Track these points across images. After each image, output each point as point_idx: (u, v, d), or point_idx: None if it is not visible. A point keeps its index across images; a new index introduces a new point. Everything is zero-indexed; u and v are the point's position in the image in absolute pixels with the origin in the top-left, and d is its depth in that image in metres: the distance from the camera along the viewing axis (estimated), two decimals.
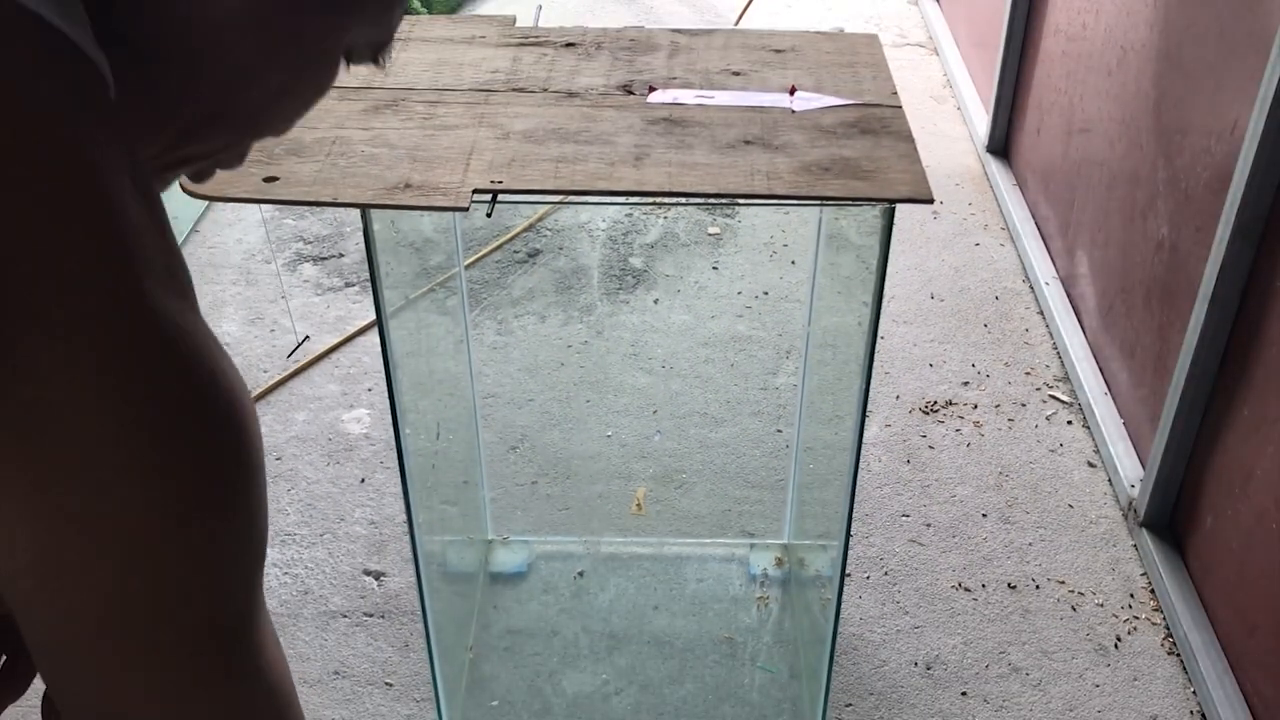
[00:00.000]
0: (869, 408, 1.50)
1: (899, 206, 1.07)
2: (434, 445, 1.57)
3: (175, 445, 0.41)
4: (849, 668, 1.70)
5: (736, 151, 1.08)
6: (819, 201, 1.11)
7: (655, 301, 2.45)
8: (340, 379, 2.25)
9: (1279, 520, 1.49)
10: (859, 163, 1.07)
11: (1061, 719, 1.64)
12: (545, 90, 1.19)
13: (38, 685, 0.56)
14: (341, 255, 2.61)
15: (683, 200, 1.10)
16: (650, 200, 1.84)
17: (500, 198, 1.03)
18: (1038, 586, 1.83)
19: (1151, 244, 1.94)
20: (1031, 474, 2.04)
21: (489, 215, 1.05)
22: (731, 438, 2.10)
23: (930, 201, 1.03)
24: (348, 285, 2.51)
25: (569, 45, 1.30)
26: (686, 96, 1.18)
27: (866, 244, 1.22)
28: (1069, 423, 2.15)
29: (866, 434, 2.05)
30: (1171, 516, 1.84)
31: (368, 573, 1.84)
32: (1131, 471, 1.95)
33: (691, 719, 1.63)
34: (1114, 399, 2.10)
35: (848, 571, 1.83)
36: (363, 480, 2.01)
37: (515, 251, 2.60)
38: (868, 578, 1.84)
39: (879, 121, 1.14)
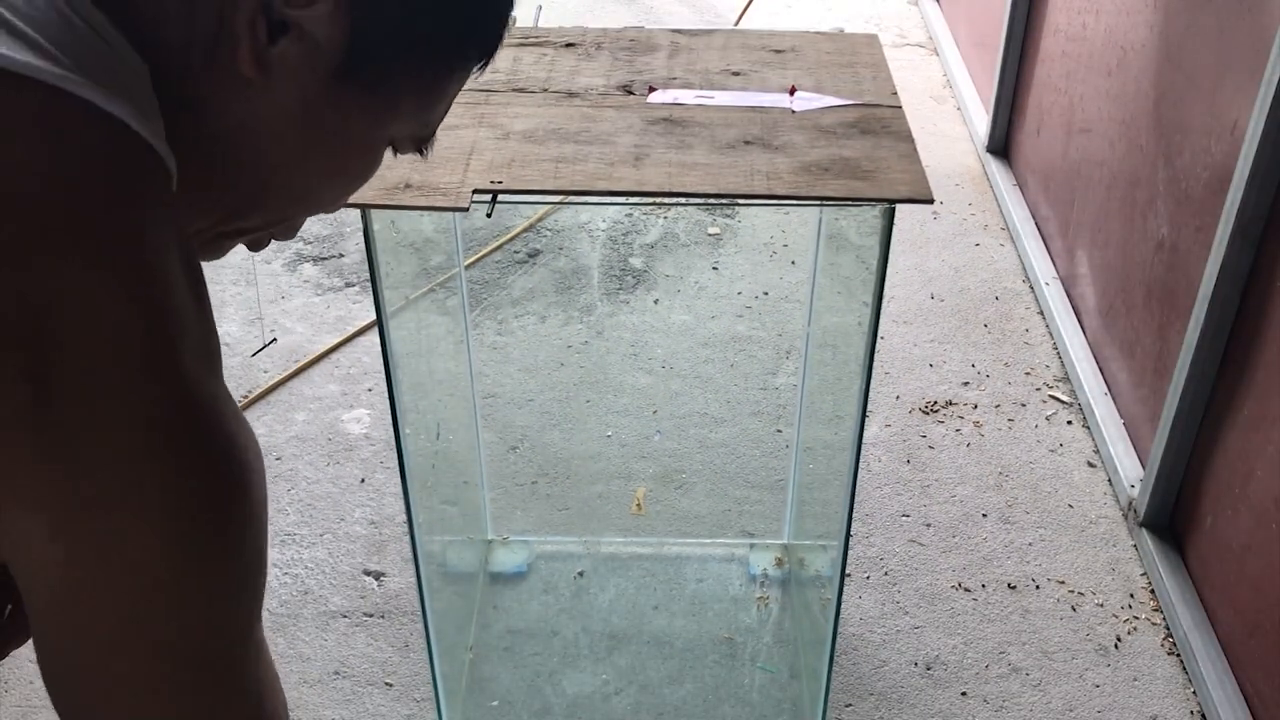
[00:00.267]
0: (869, 408, 1.50)
1: (899, 207, 1.07)
2: (434, 445, 1.57)
3: (190, 496, 0.46)
4: (849, 668, 1.70)
5: (736, 151, 1.08)
6: (819, 201, 1.11)
7: (655, 301, 2.45)
8: (340, 379, 2.25)
9: (1279, 520, 1.49)
10: (859, 163, 1.07)
11: (1061, 719, 1.64)
12: (545, 90, 1.19)
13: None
14: (341, 255, 2.61)
15: (683, 200, 1.10)
16: (650, 200, 1.84)
17: (500, 198, 1.03)
18: (1038, 586, 1.83)
19: (1151, 244, 1.94)
20: (1031, 474, 2.04)
21: (489, 215, 1.05)
22: (731, 438, 2.10)
23: (930, 201, 1.03)
24: (348, 285, 2.51)
25: (569, 45, 1.30)
26: (686, 96, 1.18)
27: (866, 244, 1.22)
28: (1069, 423, 2.15)
29: (866, 434, 2.05)
30: (1171, 516, 1.84)
31: (368, 573, 1.84)
32: (1131, 471, 1.95)
33: (691, 719, 1.63)
34: (1114, 399, 2.10)
35: (848, 571, 1.83)
36: (363, 480, 2.01)
37: (515, 251, 2.60)
38: (868, 578, 1.84)
39: (879, 121, 1.14)
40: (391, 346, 1.21)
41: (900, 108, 1.17)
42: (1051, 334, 2.36)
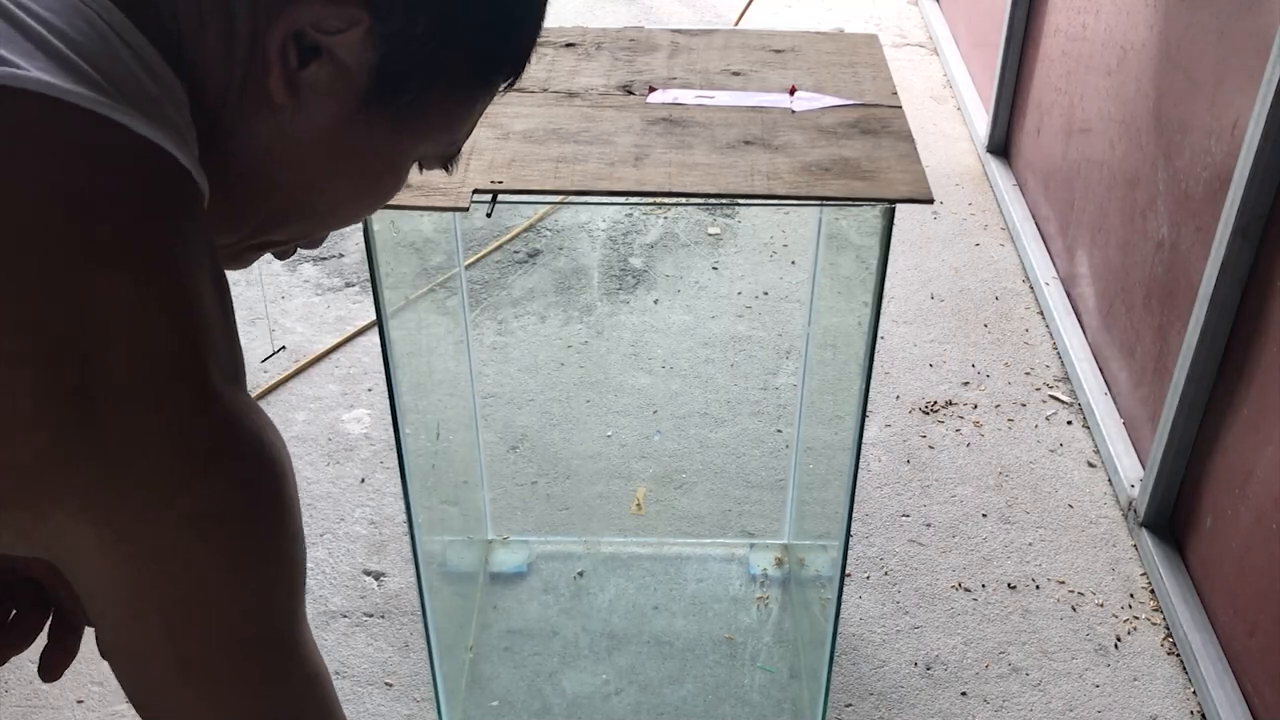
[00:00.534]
0: (869, 408, 1.50)
1: (899, 206, 1.07)
2: (434, 445, 1.57)
3: (236, 499, 0.49)
4: (849, 668, 1.70)
5: (736, 151, 1.08)
6: (819, 201, 1.11)
7: (655, 301, 2.45)
8: (340, 379, 2.25)
9: (1279, 520, 1.49)
10: (859, 163, 1.07)
11: (1061, 719, 1.64)
12: (545, 90, 1.19)
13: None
14: (341, 255, 2.61)
15: (683, 200, 1.10)
16: (650, 200, 1.84)
17: (500, 198, 1.03)
18: (1038, 586, 1.83)
19: (1151, 244, 1.94)
20: (1031, 474, 2.04)
21: (489, 215, 1.05)
22: (731, 438, 2.10)
23: (930, 201, 1.03)
24: (348, 285, 2.51)
25: (569, 45, 1.30)
26: (686, 96, 1.18)
27: (866, 244, 1.22)
28: (1069, 423, 2.15)
29: (866, 434, 2.05)
30: (1171, 516, 1.84)
31: (368, 573, 1.84)
32: (1131, 471, 1.95)
33: (691, 719, 1.63)
34: (1114, 399, 2.10)
35: (848, 571, 1.83)
36: (363, 480, 2.01)
37: (515, 251, 2.60)
38: (868, 578, 1.84)
39: (879, 121, 1.14)
40: (391, 346, 1.21)
41: (900, 108, 1.17)
42: (1051, 334, 2.36)
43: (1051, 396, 2.21)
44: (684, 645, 1.72)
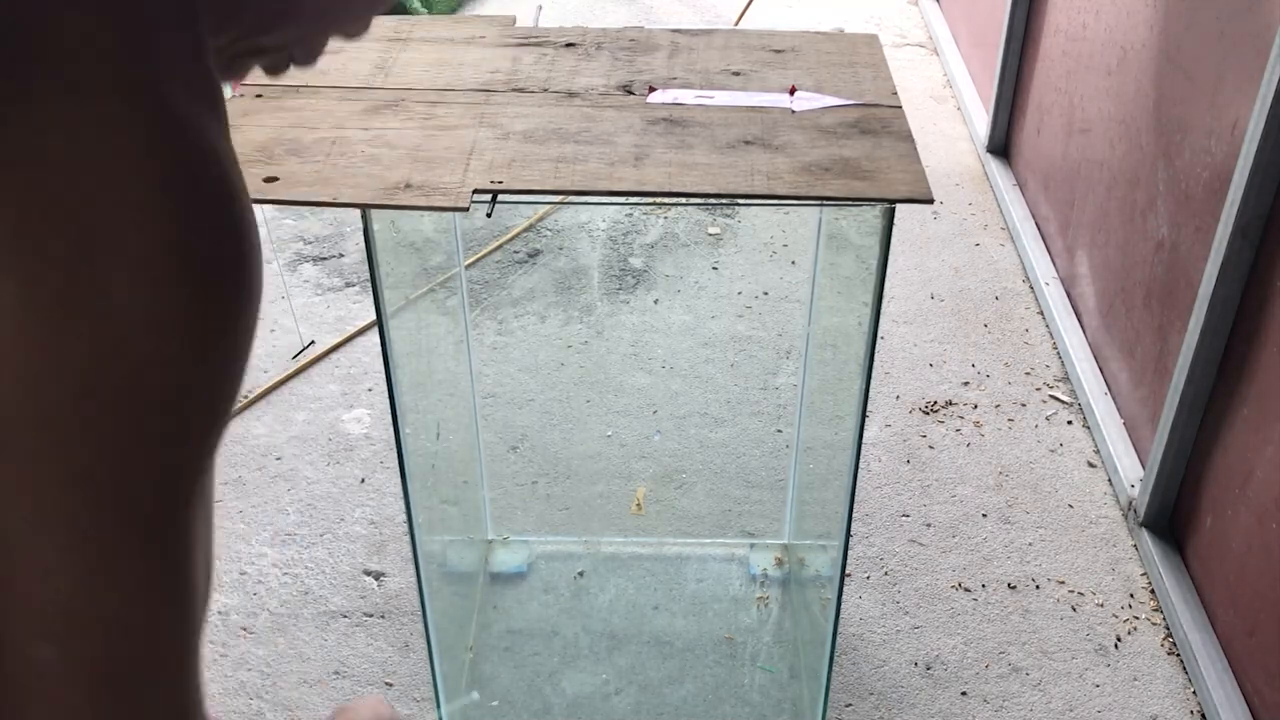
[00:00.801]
0: (869, 408, 1.50)
1: (899, 207, 1.07)
2: (434, 445, 1.57)
3: (184, 244, 0.40)
4: (849, 668, 1.70)
5: (736, 151, 1.08)
6: (819, 201, 1.11)
7: (655, 301, 2.45)
8: (340, 379, 2.25)
9: (1279, 520, 1.49)
10: (859, 163, 1.07)
11: (1061, 719, 1.64)
12: (545, 90, 1.19)
13: None
14: (341, 255, 2.61)
15: (683, 200, 1.10)
16: (650, 200, 1.84)
17: (500, 198, 1.03)
18: (1038, 586, 1.83)
19: (1151, 244, 1.94)
20: (1031, 474, 2.04)
21: (489, 215, 1.05)
22: (731, 438, 2.10)
23: (930, 201, 1.03)
24: (348, 285, 2.51)
25: (569, 45, 1.30)
26: (686, 96, 1.18)
27: (866, 244, 1.22)
28: (1069, 423, 2.15)
29: (866, 434, 2.05)
30: (1171, 516, 1.84)
31: (368, 573, 1.84)
32: (1131, 471, 1.95)
33: (691, 719, 1.63)
34: (1114, 399, 2.10)
35: (848, 571, 1.83)
36: (363, 480, 2.01)
37: (515, 251, 2.60)
38: (868, 578, 1.84)
39: (879, 121, 1.14)
40: (391, 346, 1.21)
41: (900, 108, 1.17)
42: (1051, 334, 2.36)
43: (1051, 396, 2.21)
44: (684, 645, 1.72)
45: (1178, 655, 1.71)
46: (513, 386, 2.22)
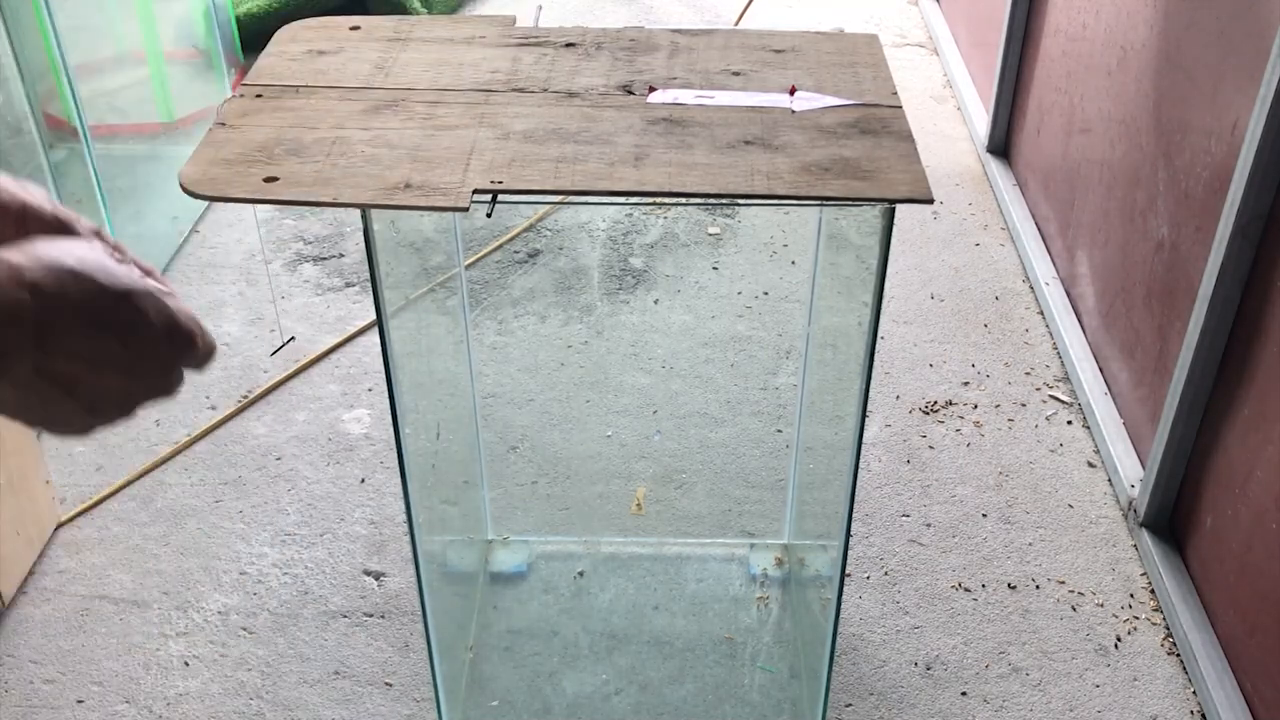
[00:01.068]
0: (869, 408, 1.50)
1: (899, 207, 1.07)
2: (434, 445, 1.57)
3: None
4: (849, 668, 1.70)
5: (736, 151, 1.08)
6: (819, 201, 1.11)
7: (655, 301, 2.45)
8: (340, 379, 2.25)
9: (1279, 520, 1.49)
10: (859, 163, 1.07)
11: (1061, 719, 1.64)
12: (545, 90, 1.19)
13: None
14: (341, 255, 2.61)
15: (683, 200, 1.10)
16: (650, 200, 1.84)
17: (500, 198, 1.03)
18: (1038, 586, 1.83)
19: (1151, 244, 1.94)
20: (1031, 474, 2.04)
21: (489, 215, 1.05)
22: (731, 438, 2.10)
23: (930, 201, 1.03)
24: (348, 285, 2.51)
25: (569, 45, 1.30)
26: (686, 96, 1.18)
27: (866, 244, 1.22)
28: (1069, 423, 2.15)
29: (866, 434, 2.05)
30: (1171, 516, 1.84)
31: (368, 573, 1.84)
32: (1131, 471, 1.95)
33: (691, 719, 1.63)
34: (1114, 399, 2.10)
35: (848, 571, 1.83)
36: (363, 480, 2.01)
37: (515, 251, 2.60)
38: (868, 578, 1.84)
39: (879, 121, 1.14)
40: (391, 346, 1.21)
41: (900, 108, 1.17)
42: (1051, 334, 2.36)
43: (1051, 396, 2.21)
44: (684, 645, 1.72)
45: (1178, 655, 1.71)
46: (513, 386, 2.22)
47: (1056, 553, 1.89)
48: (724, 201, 1.29)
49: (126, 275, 0.53)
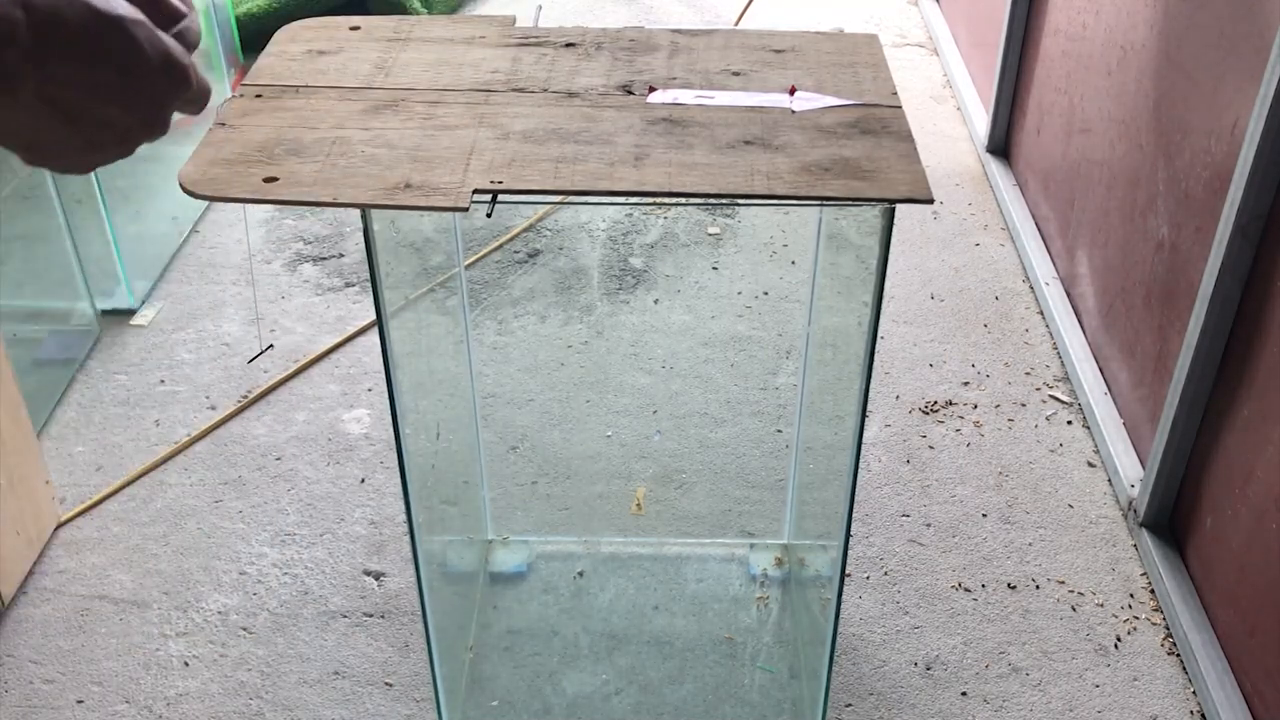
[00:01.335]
0: (869, 408, 1.50)
1: (899, 207, 1.07)
2: (434, 445, 1.57)
3: None
4: (849, 668, 1.70)
5: (736, 151, 1.08)
6: (819, 201, 1.11)
7: (655, 301, 2.45)
8: (340, 379, 2.25)
9: (1279, 520, 1.49)
10: (859, 163, 1.07)
11: (1061, 719, 1.64)
12: (545, 90, 1.19)
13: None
14: (341, 255, 2.61)
15: (683, 200, 1.10)
16: (650, 200, 1.84)
17: (500, 198, 1.03)
18: (1038, 586, 1.83)
19: (1151, 244, 1.94)
20: (1031, 474, 2.04)
21: (489, 215, 1.05)
22: (731, 438, 2.10)
23: (930, 202, 1.03)
24: (348, 285, 2.51)
25: (569, 45, 1.30)
26: (686, 96, 1.18)
27: (866, 244, 1.22)
28: (1069, 423, 2.15)
29: (866, 434, 2.05)
30: (1171, 516, 1.84)
31: (368, 573, 1.84)
32: (1131, 471, 1.95)
33: (691, 719, 1.63)
34: (1114, 399, 2.10)
35: (848, 571, 1.83)
36: (363, 480, 2.01)
37: (515, 251, 2.60)
38: (868, 578, 1.84)
39: (879, 121, 1.14)
40: (391, 346, 1.21)
41: (900, 108, 1.17)
42: (1051, 334, 2.36)
43: (1051, 396, 2.21)
44: (684, 645, 1.72)
45: (1178, 655, 1.71)
46: (513, 386, 2.22)
47: (1056, 553, 1.89)
48: (724, 201, 1.29)
49: (121, 4, 0.57)
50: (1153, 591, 1.81)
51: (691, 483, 2.01)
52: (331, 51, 1.26)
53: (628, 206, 2.71)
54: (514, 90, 1.19)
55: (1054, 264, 2.47)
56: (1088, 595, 1.82)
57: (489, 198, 1.03)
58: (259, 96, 1.16)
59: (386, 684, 1.67)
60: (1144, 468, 1.91)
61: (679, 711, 1.64)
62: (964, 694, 1.67)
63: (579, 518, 1.94)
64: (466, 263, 2.52)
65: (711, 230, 2.68)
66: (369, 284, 1.60)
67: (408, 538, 1.55)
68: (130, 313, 2.41)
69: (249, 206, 2.71)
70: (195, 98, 0.61)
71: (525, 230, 2.65)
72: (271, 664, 1.69)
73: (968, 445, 2.10)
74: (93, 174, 2.28)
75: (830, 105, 1.17)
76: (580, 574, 1.83)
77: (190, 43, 0.61)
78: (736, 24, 3.46)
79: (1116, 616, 1.78)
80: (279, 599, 1.79)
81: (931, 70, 3.51)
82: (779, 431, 2.12)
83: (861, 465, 1.31)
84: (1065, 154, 2.43)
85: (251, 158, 1.05)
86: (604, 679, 1.67)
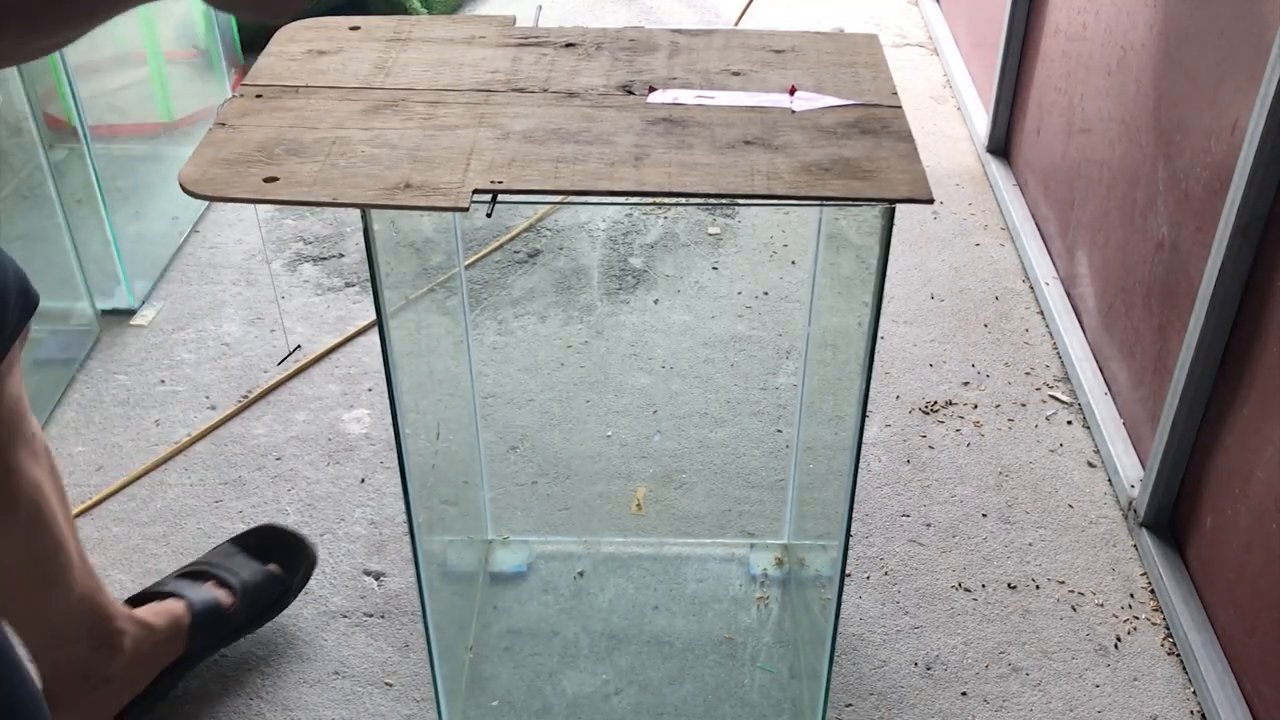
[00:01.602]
0: (869, 408, 1.50)
1: (899, 207, 1.07)
2: (434, 445, 1.57)
3: None
4: (849, 668, 1.70)
5: (736, 151, 1.08)
6: (819, 201, 1.11)
7: (655, 301, 2.45)
8: (340, 379, 2.25)
9: (1279, 520, 1.49)
10: (859, 163, 1.07)
11: (1061, 719, 1.64)
12: (545, 90, 1.19)
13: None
14: (341, 255, 2.61)
15: (683, 200, 1.10)
16: (650, 200, 1.84)
17: (500, 198, 1.03)
18: (1038, 586, 1.83)
19: (1151, 244, 1.94)
20: (1031, 474, 2.04)
21: (489, 215, 1.05)
22: (731, 438, 2.10)
23: (930, 201, 1.03)
24: (348, 285, 2.51)
25: (569, 45, 1.30)
26: (686, 96, 1.18)
27: (866, 244, 1.22)
28: (1069, 423, 2.15)
29: (866, 434, 2.05)
30: (1171, 516, 1.84)
31: (368, 573, 1.84)
32: (1131, 471, 1.95)
33: (691, 719, 1.63)
34: (1114, 399, 2.10)
35: (848, 571, 1.83)
36: (363, 480, 2.01)
37: (515, 251, 2.60)
38: (868, 578, 1.85)
39: (879, 121, 1.14)
40: (391, 346, 1.21)
41: (900, 108, 1.17)
42: (1051, 334, 2.36)
43: (1051, 396, 2.21)
44: (684, 645, 1.72)
45: (1178, 655, 1.71)
46: (513, 386, 2.22)
47: (1056, 553, 1.89)
48: (724, 201, 1.29)
49: None
50: (1153, 591, 1.81)
51: (691, 483, 2.01)
52: (331, 51, 1.26)
53: (628, 206, 2.71)
54: (514, 90, 1.19)
55: (1054, 264, 2.47)
56: (1088, 595, 1.82)
57: (489, 198, 1.03)
58: (259, 96, 1.16)
59: (386, 684, 1.67)
60: (1144, 468, 1.91)
61: (679, 711, 1.64)
62: (964, 694, 1.67)
63: (579, 518, 1.94)
64: (466, 263, 2.52)
65: (711, 230, 2.68)
66: (369, 284, 1.60)
67: (408, 538, 1.55)
68: (130, 313, 2.41)
69: (253, 206, 2.71)
70: None
71: (525, 230, 2.65)
72: (271, 664, 1.69)
73: (968, 445, 2.10)
74: (93, 174, 2.28)
75: (830, 105, 1.17)
76: (580, 574, 1.83)
77: None
78: (736, 24, 3.47)
79: (1116, 616, 1.78)
80: None
81: (931, 70, 3.51)
82: (779, 431, 2.12)
83: (861, 465, 1.31)
84: (1065, 154, 2.43)
85: (251, 158, 1.05)
86: (604, 679, 1.67)
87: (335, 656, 1.71)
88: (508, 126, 1.12)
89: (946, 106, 3.28)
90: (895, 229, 1.11)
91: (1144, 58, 2.01)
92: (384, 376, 1.24)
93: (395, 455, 1.30)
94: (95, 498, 1.97)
